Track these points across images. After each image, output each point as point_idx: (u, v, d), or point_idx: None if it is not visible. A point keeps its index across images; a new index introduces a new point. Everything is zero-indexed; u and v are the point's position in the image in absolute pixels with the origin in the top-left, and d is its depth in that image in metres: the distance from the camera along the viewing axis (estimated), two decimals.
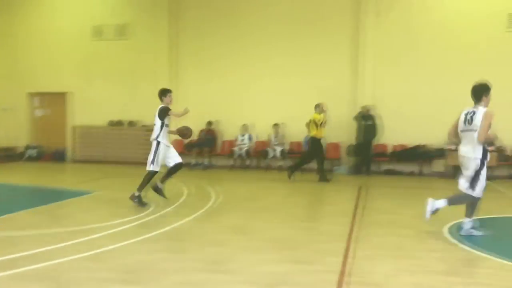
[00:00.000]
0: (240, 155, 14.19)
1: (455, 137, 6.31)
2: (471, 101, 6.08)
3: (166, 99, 7.89)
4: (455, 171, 12.59)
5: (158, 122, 7.77)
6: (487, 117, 5.81)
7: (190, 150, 14.18)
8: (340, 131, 13.44)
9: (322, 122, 11.14)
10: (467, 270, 4.82)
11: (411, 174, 13.22)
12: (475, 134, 5.84)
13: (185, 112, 8.03)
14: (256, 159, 14.49)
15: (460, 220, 6.39)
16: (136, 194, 7.77)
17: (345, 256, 5.10)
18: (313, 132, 11.27)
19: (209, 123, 14.71)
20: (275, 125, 14.10)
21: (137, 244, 5.53)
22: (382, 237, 6.02)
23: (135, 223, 6.64)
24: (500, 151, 12.36)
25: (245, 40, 14.61)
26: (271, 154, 13.96)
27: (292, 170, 11.52)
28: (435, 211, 6.12)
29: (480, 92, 6.02)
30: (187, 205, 8.17)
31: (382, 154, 13.50)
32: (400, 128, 13.30)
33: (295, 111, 13.44)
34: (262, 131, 14.41)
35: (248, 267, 4.71)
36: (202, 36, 14.88)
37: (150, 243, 5.61)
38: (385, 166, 13.53)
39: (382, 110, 13.31)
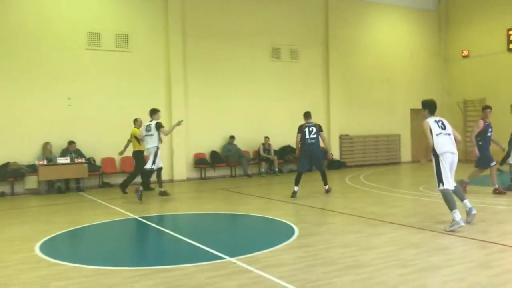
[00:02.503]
0: None
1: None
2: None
3: (156, 116, 10.50)
4: (49, 187, 12.45)
5: (156, 133, 10.25)
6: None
7: None
8: None
9: (142, 137, 11.28)
10: (58, 284, 4.71)
11: (3, 194, 12.12)
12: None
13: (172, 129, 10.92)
14: None
15: (51, 236, 6.23)
16: (141, 188, 10.17)
17: None
18: (135, 146, 11.65)
19: None
20: None
21: None
22: None
23: None
24: (90, 162, 12.99)
25: None
26: None
27: (124, 186, 11.52)
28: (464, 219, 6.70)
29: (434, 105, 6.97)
30: None
31: None
32: None
33: None
34: None
35: None
36: None
37: None
38: None
39: None
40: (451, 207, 6.49)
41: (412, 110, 19.23)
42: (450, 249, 5.73)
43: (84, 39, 13.50)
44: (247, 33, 15.92)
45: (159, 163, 10.43)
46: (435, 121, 6.79)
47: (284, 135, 16.40)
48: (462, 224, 6.46)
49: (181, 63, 14.71)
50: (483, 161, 9.76)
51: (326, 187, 10.66)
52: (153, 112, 10.59)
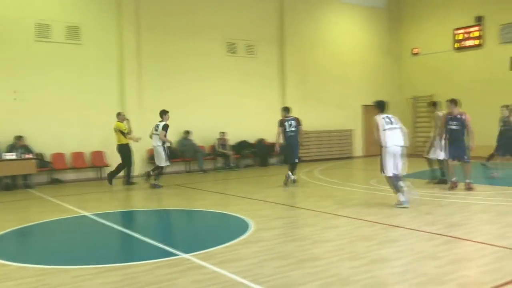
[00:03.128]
0: None
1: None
2: None
3: (166, 116, 11.43)
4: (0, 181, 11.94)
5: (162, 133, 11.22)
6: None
7: None
8: None
9: (128, 131, 11.95)
10: (1, 285, 4.52)
11: None
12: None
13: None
14: None
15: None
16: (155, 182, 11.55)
17: None
18: (120, 140, 11.84)
19: None
20: None
21: None
22: None
23: None
24: (39, 158, 12.53)
25: None
26: None
27: (111, 177, 12.18)
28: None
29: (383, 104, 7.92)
30: None
31: None
32: None
33: None
34: None
35: None
36: None
37: None
38: None
39: None
40: (396, 190, 7.81)
41: (364, 106, 19.67)
42: (399, 241, 5.91)
43: (32, 30, 12.95)
44: (203, 26, 15.75)
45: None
46: (383, 117, 7.69)
47: (241, 130, 16.39)
48: (407, 205, 7.66)
49: (135, 56, 14.37)
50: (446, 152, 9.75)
51: (293, 177, 11.17)
52: (163, 113, 11.44)
